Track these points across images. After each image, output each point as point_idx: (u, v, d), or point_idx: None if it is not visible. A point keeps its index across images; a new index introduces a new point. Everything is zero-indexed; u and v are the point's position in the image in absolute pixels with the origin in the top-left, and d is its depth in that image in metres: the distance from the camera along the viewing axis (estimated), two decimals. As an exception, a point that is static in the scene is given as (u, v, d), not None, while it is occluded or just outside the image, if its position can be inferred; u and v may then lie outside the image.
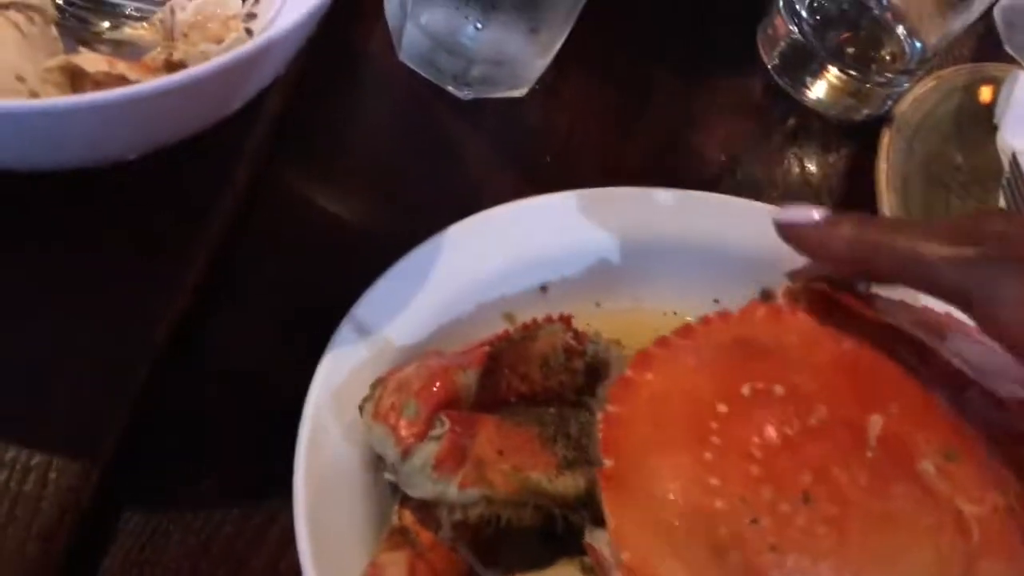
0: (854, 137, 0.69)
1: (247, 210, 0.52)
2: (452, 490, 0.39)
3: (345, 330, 0.47)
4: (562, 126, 0.63)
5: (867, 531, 0.37)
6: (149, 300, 0.46)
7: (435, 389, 0.42)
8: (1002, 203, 0.66)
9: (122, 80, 0.45)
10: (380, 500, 0.43)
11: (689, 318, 0.55)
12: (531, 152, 0.62)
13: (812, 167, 0.68)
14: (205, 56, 0.46)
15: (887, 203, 0.63)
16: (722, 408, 0.39)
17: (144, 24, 0.50)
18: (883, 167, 0.65)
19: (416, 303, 0.49)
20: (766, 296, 0.46)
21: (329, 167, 0.57)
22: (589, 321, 0.53)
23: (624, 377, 0.41)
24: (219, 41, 0.48)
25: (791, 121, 0.69)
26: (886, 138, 0.66)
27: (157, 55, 0.46)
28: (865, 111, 0.70)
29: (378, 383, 0.44)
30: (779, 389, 0.40)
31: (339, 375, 0.45)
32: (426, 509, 0.41)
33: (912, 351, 0.43)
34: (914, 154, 0.67)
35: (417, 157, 0.59)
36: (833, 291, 0.45)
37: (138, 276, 0.46)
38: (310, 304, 0.51)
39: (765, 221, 0.57)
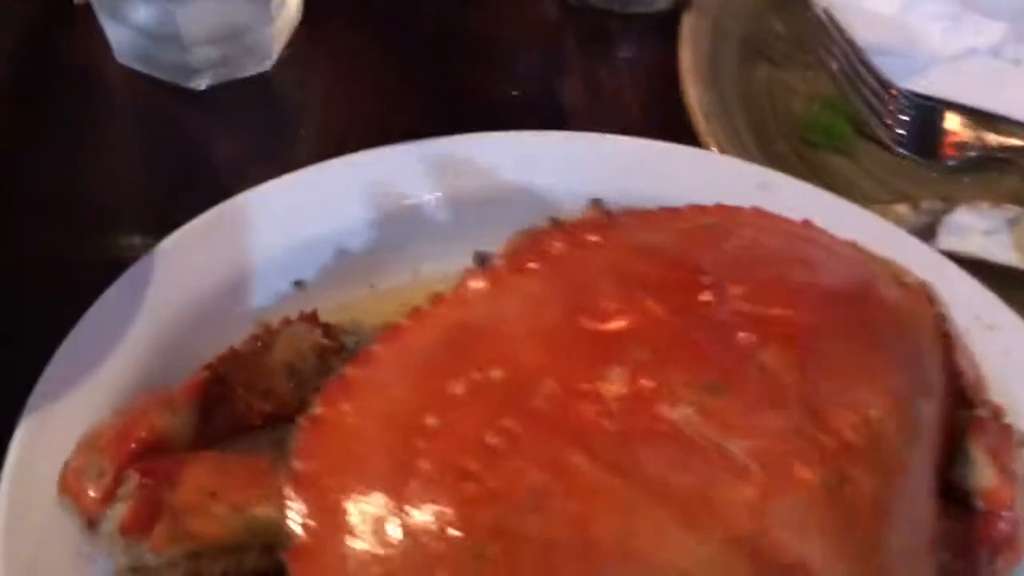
0: (658, 29, 0.62)
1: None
2: (147, 555, 0.33)
3: (49, 379, 0.40)
4: (318, 93, 0.57)
5: (616, 521, 0.30)
6: None
7: (127, 439, 0.36)
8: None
9: None
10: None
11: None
12: (286, 131, 0.55)
13: (616, 75, 0.61)
14: None
15: (693, 95, 0.56)
16: (431, 421, 0.32)
17: None
18: (685, 55, 0.58)
19: (135, 331, 0.42)
20: (481, 260, 0.38)
21: (55, 199, 0.50)
22: (365, 308, 0.47)
23: (311, 416, 0.34)
24: None
25: (581, 28, 0.62)
26: (686, 25, 0.59)
27: None
28: (663, -3, 0.62)
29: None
30: (497, 374, 0.33)
31: (44, 436, 0.38)
32: (145, 577, 0.35)
33: (681, 273, 0.36)
34: (725, 33, 0.61)
35: (157, 168, 0.53)
36: (572, 229, 0.38)
37: None
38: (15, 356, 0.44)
39: (554, 148, 0.51)
